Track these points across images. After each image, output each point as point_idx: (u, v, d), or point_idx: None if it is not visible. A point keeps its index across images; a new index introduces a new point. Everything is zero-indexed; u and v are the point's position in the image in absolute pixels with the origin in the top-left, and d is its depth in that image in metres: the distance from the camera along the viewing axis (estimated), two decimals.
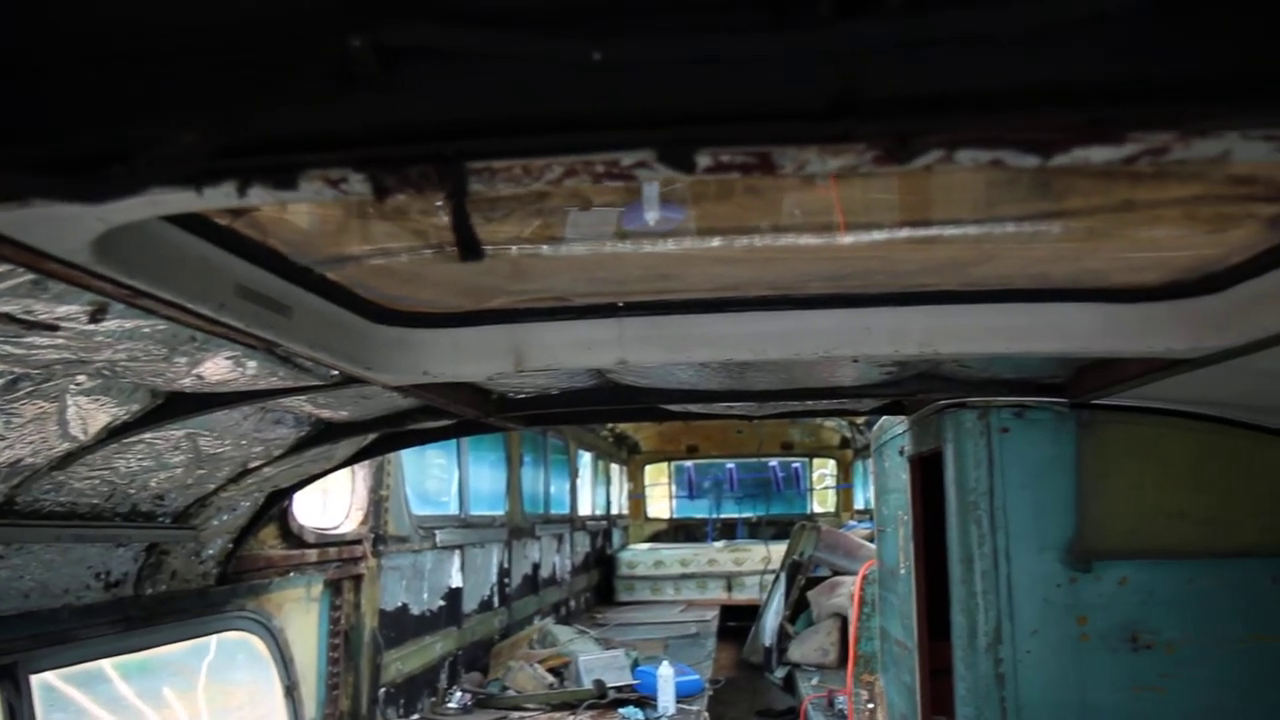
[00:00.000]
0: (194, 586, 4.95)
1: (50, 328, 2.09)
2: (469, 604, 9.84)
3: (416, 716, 8.17)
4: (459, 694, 8.70)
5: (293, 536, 5.97)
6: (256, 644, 5.59)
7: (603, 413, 4.75)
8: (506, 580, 11.36)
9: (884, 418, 6.04)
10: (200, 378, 2.79)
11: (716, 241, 2.28)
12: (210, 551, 5.00)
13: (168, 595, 4.72)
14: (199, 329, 2.25)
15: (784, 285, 2.76)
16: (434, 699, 8.71)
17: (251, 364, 2.69)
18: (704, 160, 1.30)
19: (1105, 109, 1.22)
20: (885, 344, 2.86)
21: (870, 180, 2.03)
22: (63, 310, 2.03)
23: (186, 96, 1.29)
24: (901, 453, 5.54)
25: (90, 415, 3.08)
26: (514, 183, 1.36)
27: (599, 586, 17.88)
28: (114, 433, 3.25)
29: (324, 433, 4.40)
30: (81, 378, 2.82)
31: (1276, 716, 4.27)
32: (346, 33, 1.19)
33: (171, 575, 4.73)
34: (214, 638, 5.19)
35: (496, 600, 10.93)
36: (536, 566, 13.05)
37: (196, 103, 1.28)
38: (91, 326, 2.15)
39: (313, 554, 6.21)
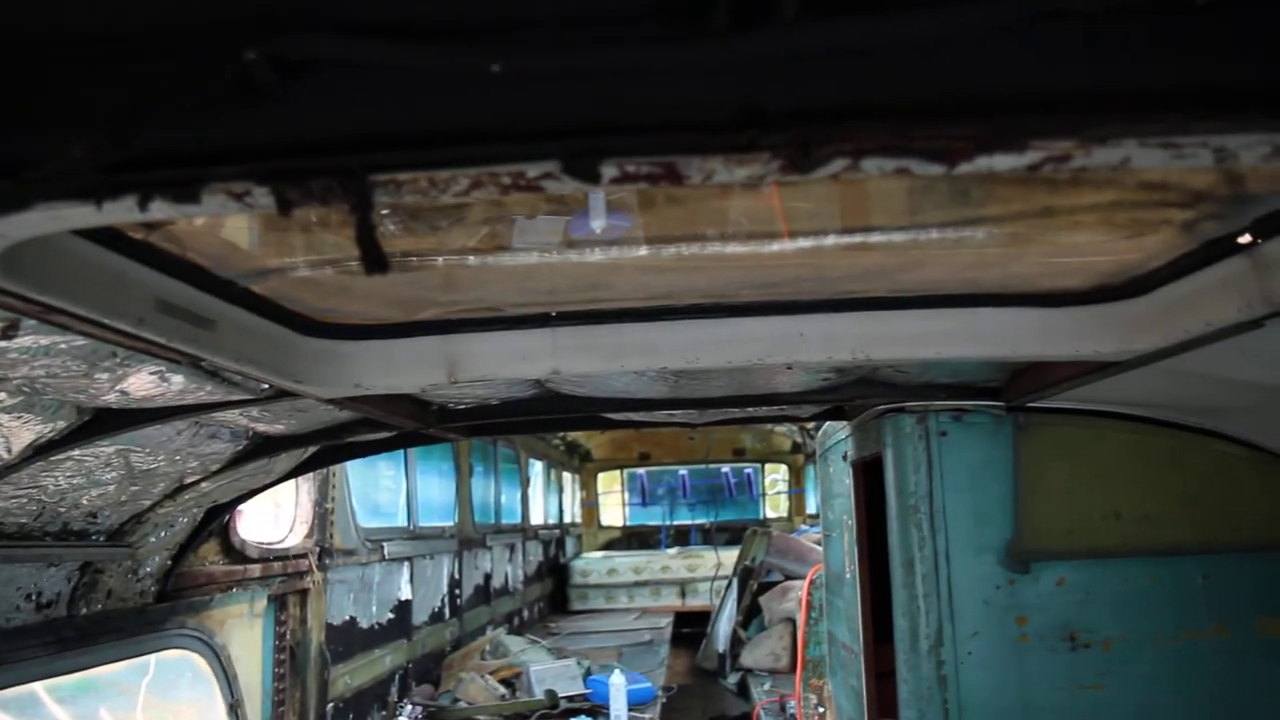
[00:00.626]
0: (132, 605, 4.85)
1: None
2: (419, 616, 9.75)
3: None
4: (409, 707, 8.61)
5: (234, 552, 5.88)
6: (198, 662, 5.49)
7: (544, 422, 4.74)
8: (457, 591, 11.28)
9: (827, 423, 6.09)
10: (125, 394, 2.73)
11: (643, 250, 2.28)
12: (148, 569, 4.90)
13: (104, 615, 4.62)
14: (119, 344, 2.21)
15: (716, 293, 2.78)
16: (384, 713, 8.62)
17: (177, 379, 2.65)
18: (610, 171, 1.30)
19: (1005, 118, 1.24)
20: (818, 350, 2.89)
21: (795, 189, 2.04)
22: None
23: (76, 108, 1.26)
24: (845, 458, 5.58)
25: (13, 433, 3.01)
26: (420, 194, 1.35)
27: (553, 595, 17.82)
28: (40, 450, 3.17)
29: (261, 446, 4.34)
30: (1, 395, 2.75)
31: (1207, 709, 4.36)
32: (242, 45, 1.17)
33: (108, 594, 4.63)
34: (153, 657, 5.09)
35: (448, 612, 10.84)
36: (488, 577, 12.97)
37: (87, 115, 1.26)
38: (3, 343, 2.10)
39: (256, 569, 6.11)
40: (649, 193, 1.97)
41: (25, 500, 3.57)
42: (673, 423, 4.67)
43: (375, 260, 1.34)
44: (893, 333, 2.86)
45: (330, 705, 7.33)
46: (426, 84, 1.25)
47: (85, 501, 3.90)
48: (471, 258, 2.33)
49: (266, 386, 2.94)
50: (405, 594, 9.39)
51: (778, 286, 2.72)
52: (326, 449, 4.95)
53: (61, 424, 3.08)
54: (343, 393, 3.07)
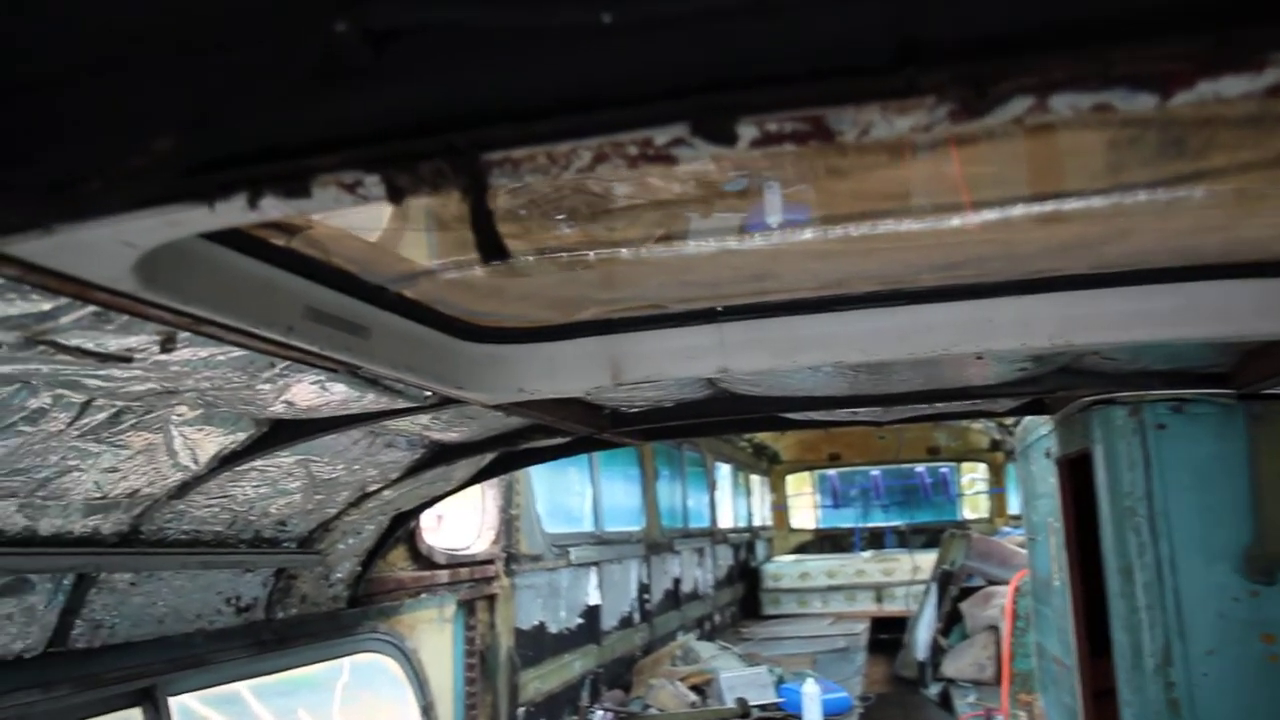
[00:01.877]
0: (324, 610, 4.99)
1: (123, 359, 2.06)
2: (608, 621, 9.77)
3: None
4: (600, 712, 8.62)
5: (422, 558, 6.00)
6: (390, 665, 5.62)
7: (720, 424, 4.57)
8: (646, 596, 11.26)
9: (1027, 418, 5.66)
10: (291, 404, 2.75)
11: (809, 234, 2.08)
12: (339, 575, 5.04)
13: (298, 619, 4.77)
14: (273, 354, 2.19)
15: (893, 278, 2.54)
16: (575, 717, 8.66)
17: (338, 388, 2.64)
18: (748, 131, 1.12)
19: (1236, 27, 0.99)
20: (1011, 337, 2.60)
21: (975, 150, 1.80)
22: (132, 341, 2.00)
23: (156, 104, 1.19)
24: (1048, 455, 5.16)
25: (198, 445, 3.09)
26: (540, 173, 1.21)
27: (744, 600, 17.60)
28: (225, 461, 3.26)
29: (439, 455, 4.36)
30: (182, 408, 2.82)
31: None
32: (329, 17, 1.06)
33: (301, 599, 4.78)
34: (347, 660, 5.23)
35: (637, 617, 10.83)
36: (677, 581, 12.91)
37: (167, 110, 1.18)
38: (165, 357, 2.11)
39: (444, 575, 6.22)
40: (808, 165, 1.77)
41: (218, 509, 3.69)
42: (856, 421, 4.41)
43: (492, 248, 1.21)
44: (1097, 314, 2.53)
45: (521, 709, 7.40)
46: (531, 45, 1.11)
47: (274, 510, 4.01)
48: (625, 250, 2.20)
49: (430, 394, 2.90)
50: (594, 599, 9.42)
51: (962, 268, 2.46)
52: (504, 456, 4.95)
53: (241, 435, 3.15)
54: (507, 398, 3.00)
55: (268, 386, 2.51)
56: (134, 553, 3.47)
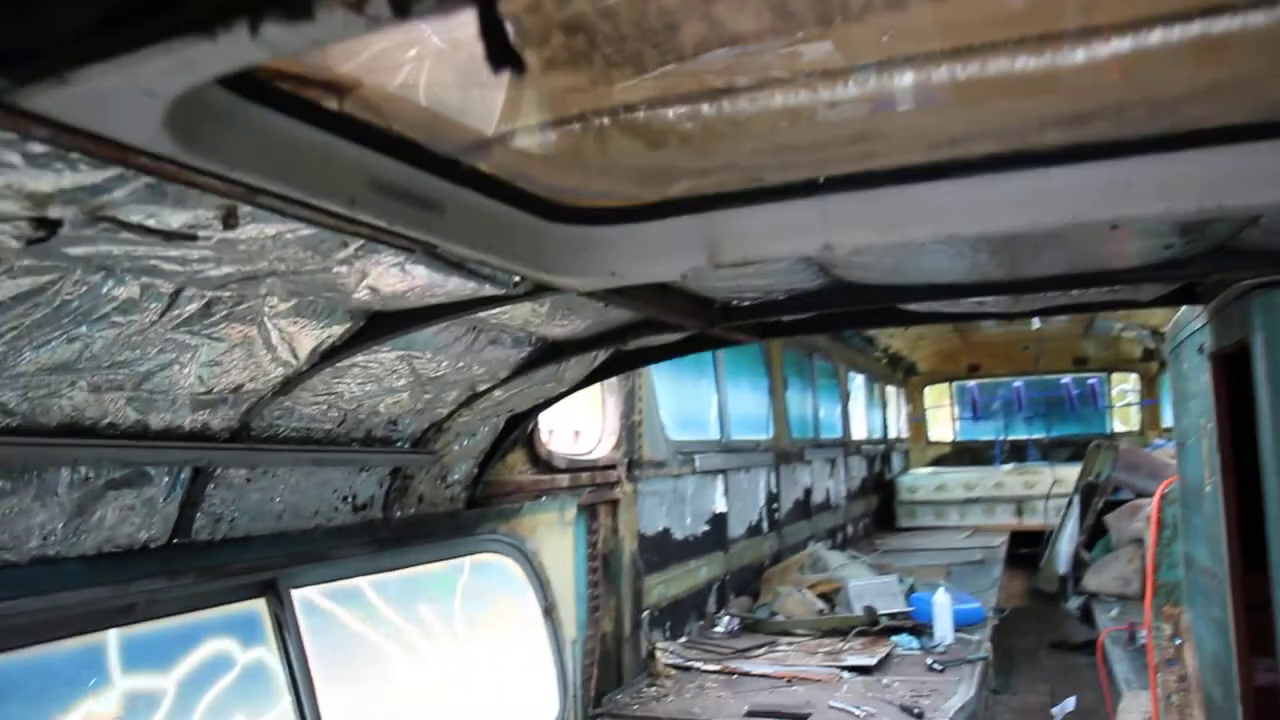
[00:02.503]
0: (442, 510, 5.05)
1: (188, 237, 2.00)
2: (735, 529, 9.72)
3: (683, 639, 8.16)
4: (726, 618, 8.62)
5: (541, 461, 6.00)
6: (511, 566, 5.69)
7: (836, 318, 4.33)
8: (775, 505, 11.16)
9: (1181, 310, 5.21)
10: (375, 290, 2.68)
11: (908, 78, 1.84)
12: (456, 476, 5.07)
13: (416, 518, 4.83)
14: (339, 229, 2.10)
15: (1013, 137, 2.26)
16: (701, 622, 8.68)
17: (418, 270, 2.54)
18: None
19: None
20: (1152, 201, 2.29)
21: None
22: (191, 216, 1.93)
23: None
24: (1200, 350, 4.73)
25: (295, 338, 3.07)
26: None
27: (878, 512, 17.34)
28: (325, 356, 3.24)
29: (547, 353, 4.29)
30: (273, 300, 2.79)
31: None
32: None
33: (419, 499, 4.83)
34: (466, 560, 5.30)
35: (765, 525, 10.76)
36: (808, 491, 12.76)
37: None
38: (230, 234, 2.04)
39: (564, 479, 6.23)
40: None
41: (325, 407, 3.71)
42: (984, 314, 4.11)
43: (502, 55, 1.06)
44: (1256, 171, 2.20)
45: (645, 613, 7.43)
46: None
47: (383, 409, 4.02)
48: (706, 106, 2.00)
49: (518, 280, 2.79)
50: (720, 506, 9.37)
51: (1092, 120, 2.16)
52: (616, 355, 4.85)
53: (338, 329, 3.12)
54: (599, 283, 2.86)
55: (345, 269, 2.44)
56: (245, 448, 3.52)
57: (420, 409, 4.25)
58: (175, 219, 1.93)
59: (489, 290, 2.84)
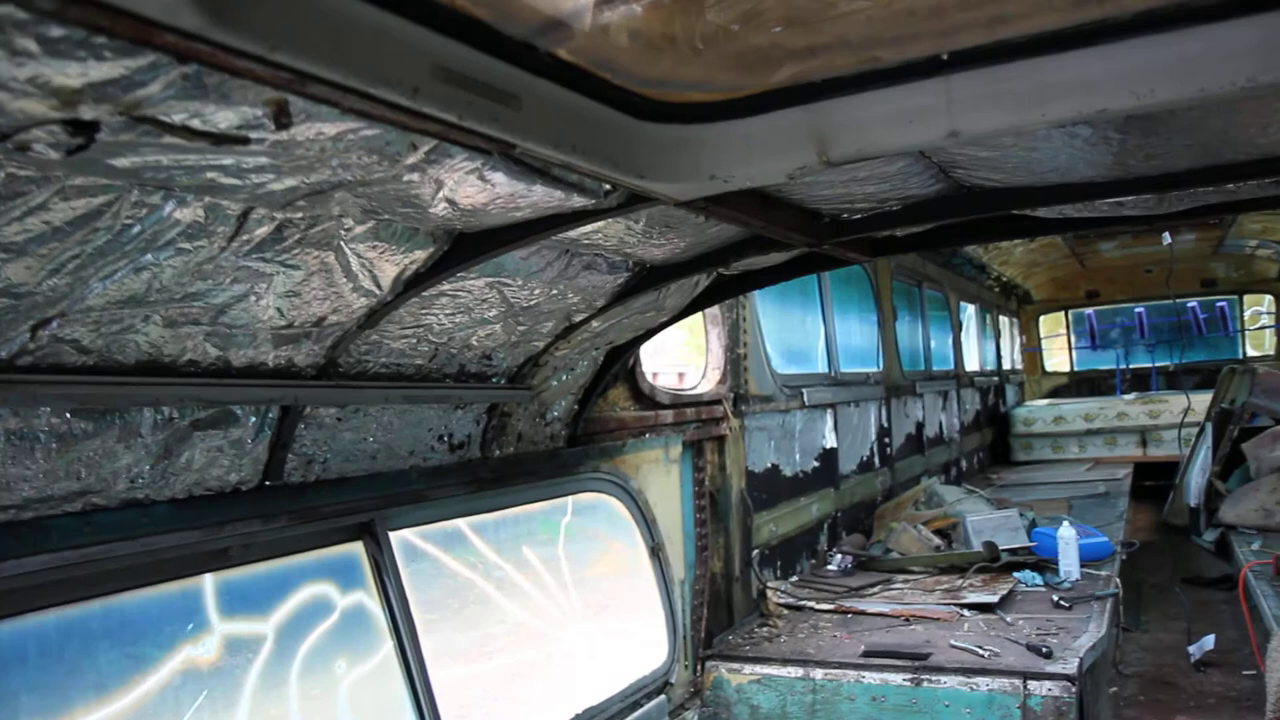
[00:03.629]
0: (543, 448, 4.88)
1: (239, 140, 1.80)
2: (846, 464, 9.39)
3: (794, 578, 7.92)
4: (839, 556, 8.34)
5: (644, 398, 5.79)
6: (615, 505, 5.51)
7: (957, 230, 3.96)
8: (887, 440, 10.77)
9: None
10: (453, 203, 2.45)
11: None
12: (555, 413, 4.89)
13: (516, 457, 4.68)
14: (404, 125, 1.87)
15: None
16: (813, 561, 8.43)
17: (498, 177, 2.31)
18: None
19: None
20: None
21: None
22: (237, 115, 1.72)
23: None
24: None
25: (376, 265, 2.89)
26: None
27: (993, 446, 16.74)
28: (409, 285, 3.06)
29: (646, 278, 4.05)
30: (348, 222, 2.60)
31: None
32: None
33: (518, 437, 4.67)
34: (569, 499, 5.14)
35: (877, 460, 10.39)
36: (920, 425, 12.31)
37: None
38: (285, 135, 1.83)
39: (668, 415, 6.01)
40: None
41: (415, 340, 3.53)
42: (1122, 218, 3.70)
43: None
44: None
45: (755, 552, 7.22)
46: None
47: (475, 342, 3.84)
48: None
49: (609, 187, 2.53)
50: (830, 442, 9.05)
51: None
52: (720, 282, 4.58)
53: (420, 254, 2.92)
54: (699, 190, 2.59)
55: (417, 177, 2.21)
56: (333, 385, 3.38)
57: (515, 342, 4.06)
58: (222, 118, 1.73)
59: (577, 201, 2.59)
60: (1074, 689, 5.30)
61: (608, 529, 5.48)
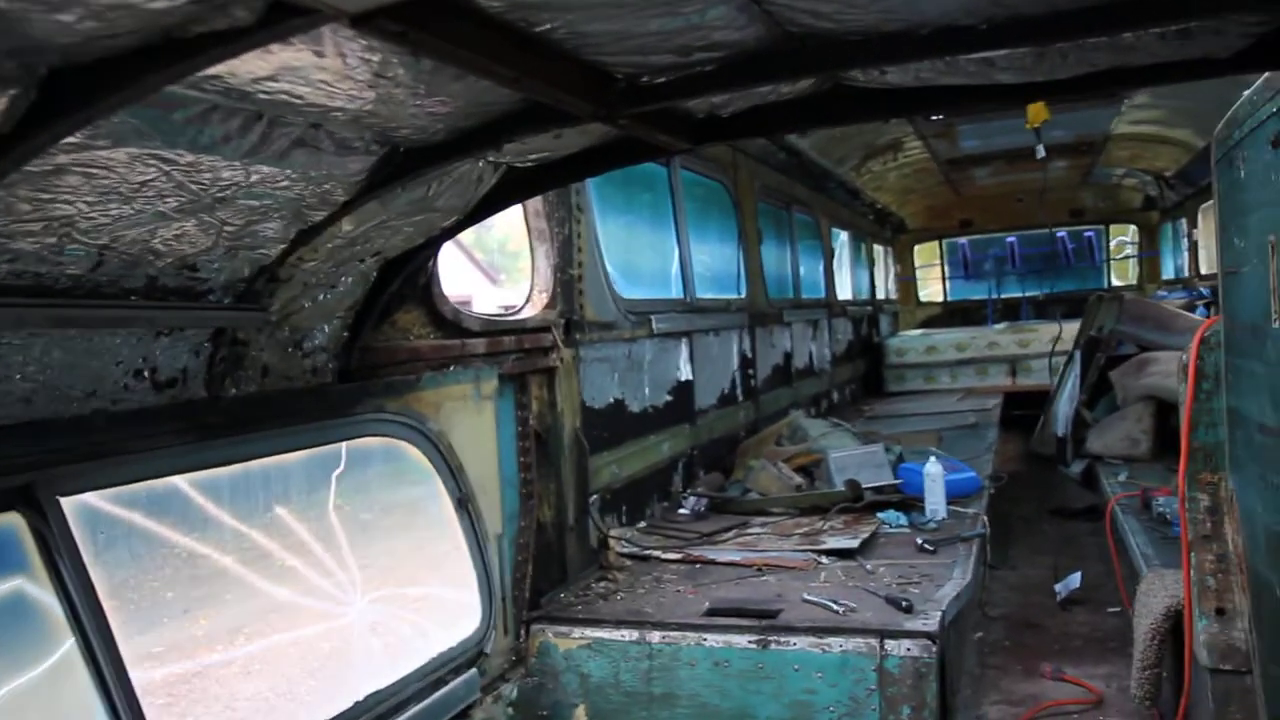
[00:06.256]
0: (301, 385, 3.95)
1: None
2: (703, 398, 8.68)
3: (642, 524, 7.19)
4: (693, 499, 7.64)
5: (447, 323, 4.88)
6: (409, 451, 4.63)
7: (791, 109, 3.14)
8: (751, 371, 10.11)
9: (1240, 102, 4.05)
10: None
11: None
12: (317, 341, 3.97)
13: (261, 397, 3.74)
14: None
15: None
16: (665, 504, 7.71)
17: None
18: None
19: None
20: None
21: None
22: None
23: None
24: (1275, 143, 3.60)
25: None
26: None
27: (865, 377, 16.37)
28: None
29: (402, 165, 3.13)
30: None
31: None
32: None
33: (263, 372, 3.73)
34: (342, 446, 4.23)
35: (740, 394, 9.72)
36: (788, 356, 11.71)
37: None
38: None
39: (479, 344, 5.12)
40: None
41: (52, 240, 2.56)
42: (993, 86, 2.93)
43: None
44: None
45: (595, 496, 6.44)
46: None
47: (161, 246, 2.87)
48: None
49: None
50: (685, 374, 8.30)
51: None
52: (512, 177, 3.69)
53: None
54: None
55: None
56: None
57: (230, 247, 3.11)
58: None
59: (202, 16, 1.66)
60: (935, 648, 4.70)
61: (398, 480, 4.61)
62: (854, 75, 2.85)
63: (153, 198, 2.60)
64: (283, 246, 3.27)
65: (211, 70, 2.08)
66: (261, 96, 2.33)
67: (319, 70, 2.22)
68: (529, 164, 3.57)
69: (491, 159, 3.44)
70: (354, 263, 3.74)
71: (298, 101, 2.40)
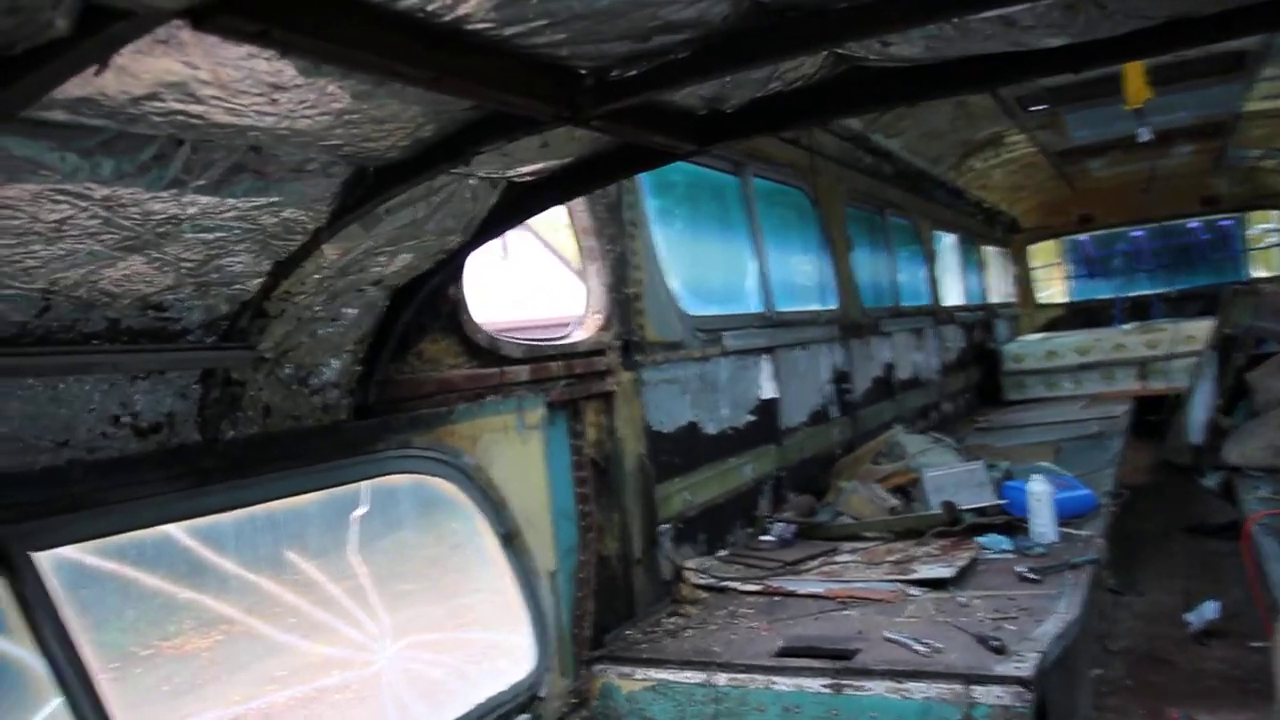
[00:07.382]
0: (312, 424, 3.75)
1: None
2: (791, 416, 8.23)
3: (723, 552, 6.80)
4: (779, 525, 7.20)
5: (483, 352, 4.64)
6: (442, 488, 4.39)
7: (804, 99, 2.76)
8: (846, 386, 9.60)
9: None
10: None
11: None
12: (326, 377, 3.76)
13: (264, 438, 3.54)
14: None
15: None
16: (750, 530, 7.29)
17: None
18: None
19: None
20: None
21: None
22: None
23: None
24: None
25: None
26: None
27: (981, 386, 15.53)
28: None
29: (373, 187, 2.89)
30: None
31: None
32: None
33: (265, 412, 3.54)
34: (363, 486, 4.01)
35: (834, 410, 9.23)
36: (890, 367, 11.13)
37: None
38: None
39: (521, 371, 4.86)
40: None
41: None
42: (1028, 59, 2.50)
43: None
44: None
45: (666, 526, 6.09)
46: None
47: (113, 287, 2.69)
48: None
49: None
50: (768, 392, 7.88)
51: None
52: (510, 199, 3.41)
53: None
54: None
55: None
56: None
57: (199, 284, 2.91)
58: None
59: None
60: (1029, 695, 4.16)
61: (430, 518, 4.37)
62: (856, 51, 2.47)
63: (80, 236, 2.40)
64: (260, 280, 3.06)
65: (77, 92, 1.85)
66: (155, 119, 2.09)
67: (203, 85, 1.98)
68: (527, 179, 3.28)
69: (484, 174, 3.18)
70: (352, 293, 3.52)
71: (199, 122, 2.17)
